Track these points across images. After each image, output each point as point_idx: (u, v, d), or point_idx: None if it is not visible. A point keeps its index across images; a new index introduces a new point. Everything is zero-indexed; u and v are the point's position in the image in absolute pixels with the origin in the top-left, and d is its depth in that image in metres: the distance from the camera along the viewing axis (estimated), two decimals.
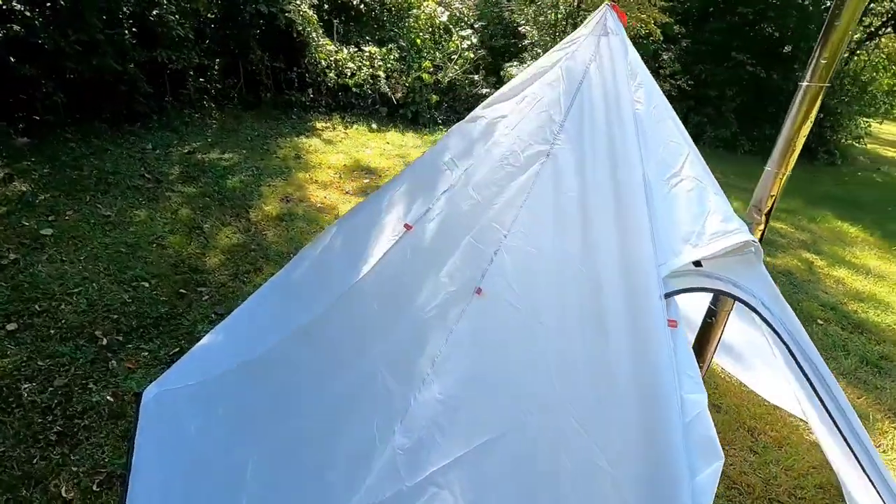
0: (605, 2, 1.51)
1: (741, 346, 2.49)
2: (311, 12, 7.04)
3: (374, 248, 2.06)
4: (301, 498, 1.52)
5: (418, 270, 1.71)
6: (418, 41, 8.16)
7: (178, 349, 2.51)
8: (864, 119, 10.32)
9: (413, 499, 1.28)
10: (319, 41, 7.16)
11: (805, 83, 1.39)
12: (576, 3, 8.45)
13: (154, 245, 3.38)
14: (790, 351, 1.32)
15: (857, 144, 10.60)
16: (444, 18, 8.54)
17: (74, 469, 1.89)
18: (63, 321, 2.55)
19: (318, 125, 6.74)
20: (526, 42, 8.48)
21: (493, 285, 1.40)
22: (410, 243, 1.80)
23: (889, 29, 9.85)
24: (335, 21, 7.69)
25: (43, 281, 2.80)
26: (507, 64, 8.41)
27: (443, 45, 8.47)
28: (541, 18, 8.33)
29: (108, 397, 2.15)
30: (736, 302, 1.37)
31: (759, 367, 2.49)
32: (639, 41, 8.52)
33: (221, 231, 3.71)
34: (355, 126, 7.02)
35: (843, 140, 10.05)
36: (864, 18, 9.76)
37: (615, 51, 1.45)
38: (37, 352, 2.32)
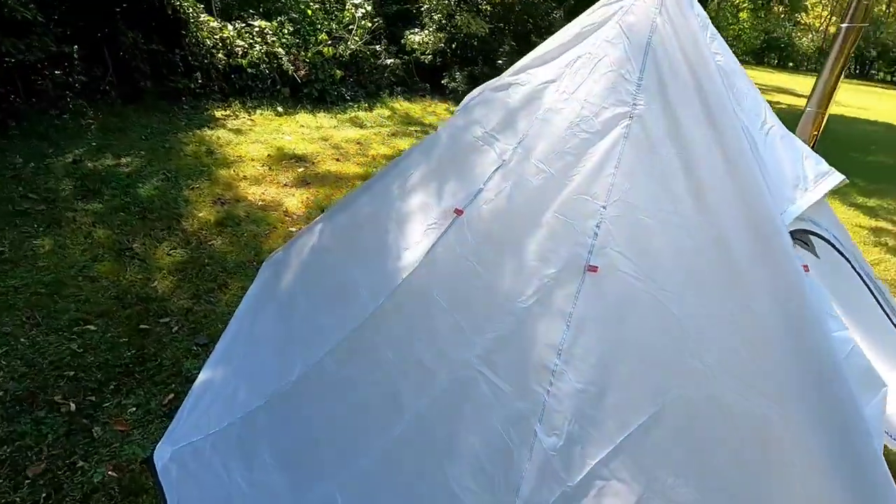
0: None
1: None
2: None
3: (408, 240, 1.88)
4: None
5: (489, 258, 1.58)
6: (309, 12, 7.52)
7: (171, 394, 2.11)
8: None
9: (580, 497, 1.20)
10: (200, 17, 6.27)
11: (845, 24, 1.47)
12: None
13: (80, 278, 2.77)
14: (864, 281, 1.44)
15: None
16: None
17: None
18: (1, 394, 2.00)
19: (218, 114, 5.99)
20: (423, 7, 8.23)
21: (607, 260, 1.33)
22: (469, 229, 1.65)
23: None
24: None
25: None
26: (409, 31, 8.12)
27: (336, 15, 7.91)
28: None
29: (111, 472, 1.75)
30: None
31: None
32: (531, 1, 8.71)
33: (158, 249, 3.16)
34: (259, 111, 6.36)
35: None
36: None
37: (685, 8, 1.41)
38: None
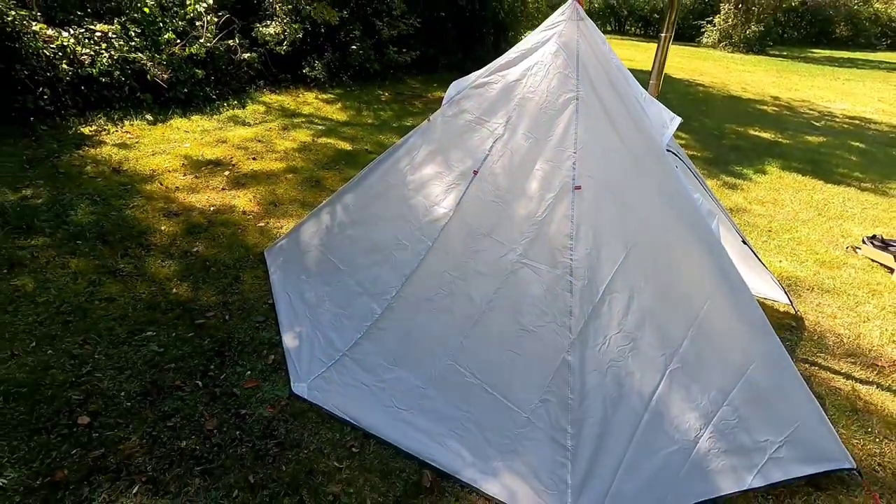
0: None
1: None
2: None
3: (434, 199, 2.69)
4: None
5: (507, 197, 2.49)
6: (147, 10, 7.08)
7: (271, 356, 2.63)
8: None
9: (601, 306, 2.25)
10: (32, 26, 5.63)
11: (663, 34, 2.68)
12: None
13: (97, 301, 2.92)
14: (694, 175, 2.73)
15: None
16: None
17: None
18: (123, 395, 2.31)
19: (86, 131, 5.61)
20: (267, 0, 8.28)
21: (584, 181, 2.35)
22: (486, 181, 2.53)
23: None
24: None
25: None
26: (260, 25, 8.13)
27: (177, 12, 7.55)
28: None
29: (269, 410, 2.29)
30: None
31: None
32: None
33: (148, 264, 3.34)
34: (128, 122, 6.06)
35: None
36: None
37: (592, 29, 2.44)
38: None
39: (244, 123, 6.55)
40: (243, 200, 4.32)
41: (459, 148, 2.70)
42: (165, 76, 6.63)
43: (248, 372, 2.52)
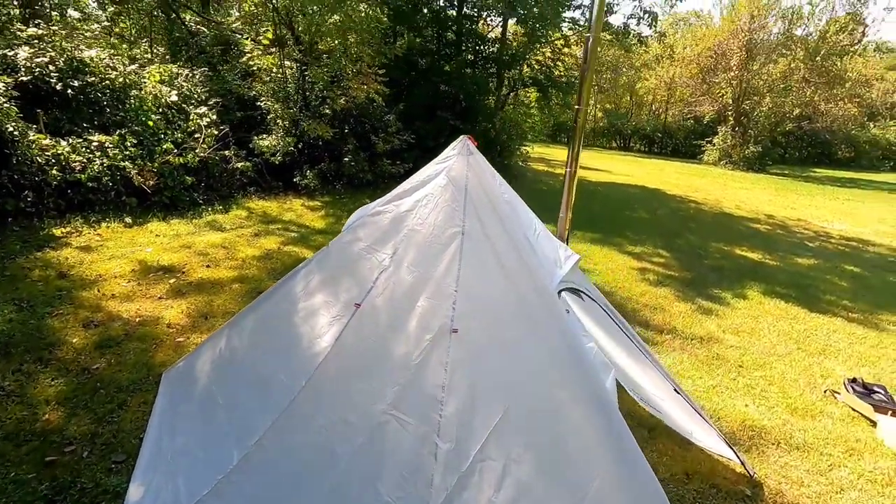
0: (462, 136, 2.43)
1: None
2: (8, 104, 5.90)
3: (318, 331, 2.47)
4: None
5: (385, 334, 2.26)
6: (151, 123, 7.65)
7: None
8: (523, 145, 14.44)
9: (469, 476, 1.88)
10: (30, 136, 6.05)
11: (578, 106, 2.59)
12: (301, 78, 9.39)
13: None
14: (605, 311, 2.48)
15: (522, 165, 14.74)
16: (175, 97, 8.22)
17: None
18: None
19: (58, 232, 5.73)
20: (269, 116, 8.92)
21: (462, 323, 2.12)
22: (367, 316, 2.32)
23: (522, 86, 14.19)
24: (38, 112, 6.56)
25: None
26: (257, 137, 8.68)
27: (180, 125, 8.14)
28: (280, 94, 8.92)
29: None
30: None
31: None
32: (366, 105, 10.05)
33: (36, 382, 3.12)
34: (104, 225, 6.21)
35: (515, 162, 13.86)
36: (507, 79, 13.79)
37: (480, 164, 2.38)
38: None
39: (219, 229, 6.67)
40: (175, 311, 4.18)
41: (350, 277, 2.54)
42: (151, 182, 6.94)
43: None
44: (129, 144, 6.99)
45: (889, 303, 6.03)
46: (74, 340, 3.61)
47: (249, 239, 6.31)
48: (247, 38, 9.72)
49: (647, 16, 11.97)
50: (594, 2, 2.35)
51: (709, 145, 23.94)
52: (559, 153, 23.78)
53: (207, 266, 5.22)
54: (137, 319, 4.01)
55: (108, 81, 7.51)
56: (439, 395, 2.02)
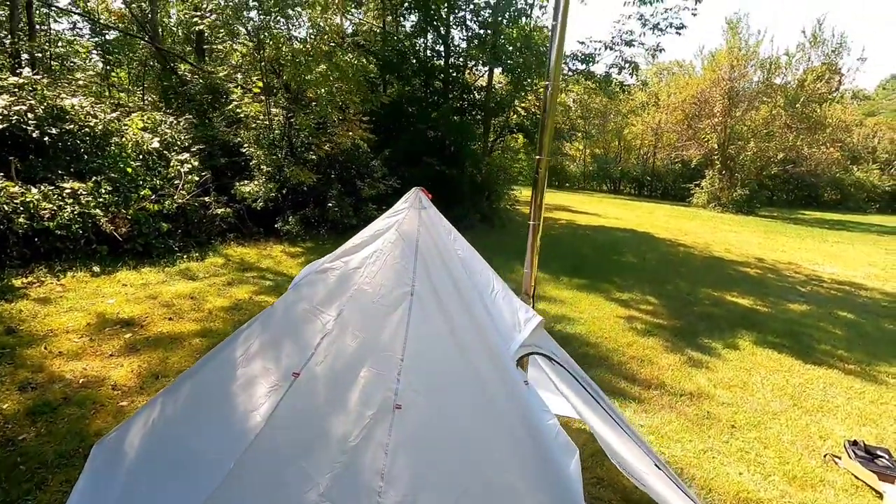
0: (416, 187, 2.27)
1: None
2: None
3: (254, 402, 2.21)
4: None
5: (322, 410, 2.01)
6: (130, 170, 7.55)
7: None
8: (511, 189, 14.47)
9: None
10: None
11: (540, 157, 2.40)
12: (287, 125, 9.43)
13: None
14: (574, 377, 2.24)
15: (510, 208, 14.73)
16: (156, 144, 8.17)
17: None
18: None
19: (17, 283, 5.48)
20: (252, 163, 8.88)
21: (407, 399, 1.87)
22: (305, 387, 2.07)
23: (509, 132, 14.39)
24: (11, 159, 6.46)
25: None
26: (239, 184, 8.59)
27: (160, 171, 8.05)
28: (264, 140, 8.91)
29: None
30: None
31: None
32: (352, 151, 10.05)
33: None
34: (70, 274, 5.97)
35: (503, 206, 13.83)
36: (495, 126, 13.99)
37: (433, 218, 2.20)
38: None
39: (191, 277, 6.43)
40: (124, 371, 3.88)
41: (292, 341, 2.30)
42: (124, 229, 6.75)
43: None
44: (103, 191, 6.85)
45: (886, 352, 5.79)
46: (6, 406, 3.30)
47: (221, 288, 6.07)
48: (236, 87, 9.83)
49: (628, 65, 12.28)
50: (552, 51, 2.24)
51: (697, 188, 24.23)
52: (549, 196, 24.00)
53: (170, 319, 4.95)
54: (81, 381, 3.70)
55: (87, 129, 7.46)
56: (377, 485, 1.75)
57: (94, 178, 7.00)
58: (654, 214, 19.12)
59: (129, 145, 7.88)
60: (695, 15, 11.53)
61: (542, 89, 13.90)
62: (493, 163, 12.91)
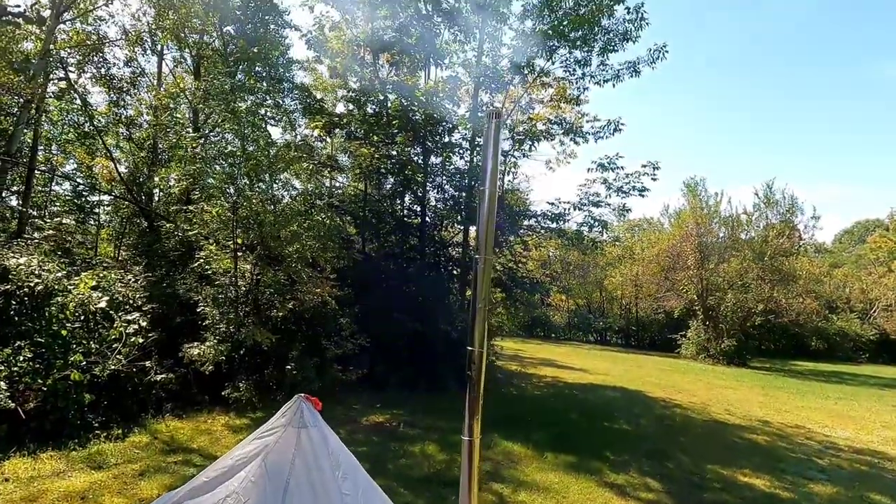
0: (299, 395, 1.66)
1: None
2: None
3: None
4: None
5: None
6: (64, 332, 6.86)
7: None
8: (492, 343, 13.83)
9: None
10: None
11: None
12: (255, 281, 9.07)
13: None
14: None
15: (490, 360, 13.89)
16: (103, 304, 7.62)
17: None
18: None
19: None
20: (206, 322, 8.28)
21: None
22: None
23: None
24: None
25: None
26: (187, 345, 7.86)
27: (99, 334, 7.36)
28: (220, 297, 8.44)
29: None
30: None
31: None
32: (319, 308, 9.57)
33: None
34: None
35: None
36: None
37: (317, 444, 1.55)
38: None
39: (98, 465, 5.33)
40: None
41: None
42: (31, 405, 5.80)
43: None
44: (21, 359, 6.06)
45: None
46: None
47: (127, 482, 4.95)
48: (212, 243, 9.68)
49: (597, 223, 12.71)
50: (480, 217, 1.86)
51: (684, 339, 23.80)
52: (534, 349, 23.23)
53: None
54: None
55: (26, 289, 6.95)
56: None
57: (16, 343, 6.27)
58: (643, 368, 18.28)
59: (72, 305, 7.31)
60: (654, 180, 12.33)
61: (517, 246, 14.24)
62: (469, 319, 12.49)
